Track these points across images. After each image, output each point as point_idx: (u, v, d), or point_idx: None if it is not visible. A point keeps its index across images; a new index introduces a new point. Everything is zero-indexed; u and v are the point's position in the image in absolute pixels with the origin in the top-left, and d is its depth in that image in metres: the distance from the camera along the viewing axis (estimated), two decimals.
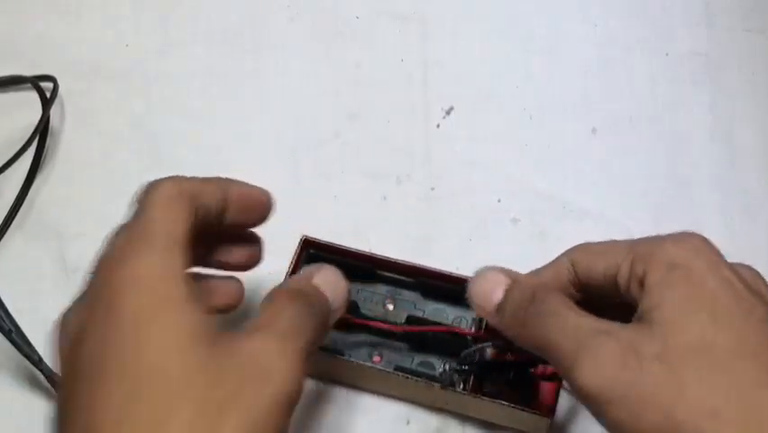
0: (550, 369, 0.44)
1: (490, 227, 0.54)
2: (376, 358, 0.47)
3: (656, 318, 0.35)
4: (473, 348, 0.45)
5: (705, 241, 0.38)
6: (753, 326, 0.35)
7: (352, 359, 0.46)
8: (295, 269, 0.48)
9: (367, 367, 0.46)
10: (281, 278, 0.47)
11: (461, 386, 0.44)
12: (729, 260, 0.51)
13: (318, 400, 0.48)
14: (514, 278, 0.41)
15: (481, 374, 0.45)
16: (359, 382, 0.48)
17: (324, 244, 0.48)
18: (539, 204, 0.54)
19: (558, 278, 0.41)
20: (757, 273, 0.39)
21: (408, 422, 0.48)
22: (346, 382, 0.48)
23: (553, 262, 0.42)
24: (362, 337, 0.48)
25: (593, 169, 0.56)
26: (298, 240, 0.48)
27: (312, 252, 0.49)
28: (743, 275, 0.37)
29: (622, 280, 0.38)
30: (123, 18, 0.62)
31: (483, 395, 0.44)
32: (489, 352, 0.45)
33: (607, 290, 0.39)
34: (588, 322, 0.36)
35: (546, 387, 0.45)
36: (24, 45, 0.60)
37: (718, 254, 0.38)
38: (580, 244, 0.41)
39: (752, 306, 0.35)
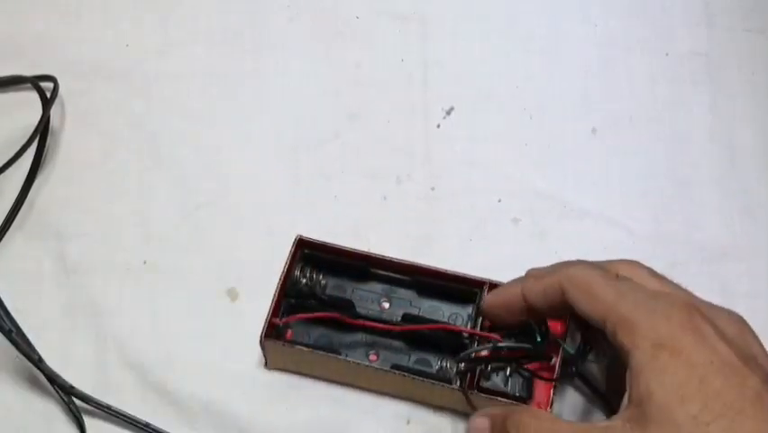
0: (545, 365, 0.44)
1: (490, 227, 0.54)
2: (372, 357, 0.47)
3: (648, 414, 0.36)
4: (471, 351, 0.45)
5: (690, 309, 0.38)
6: (747, 402, 0.35)
7: (348, 358, 0.46)
8: (290, 268, 0.48)
9: (363, 366, 0.46)
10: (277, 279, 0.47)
11: (459, 383, 0.44)
12: (729, 262, 0.52)
13: (318, 400, 0.48)
14: (490, 413, 0.42)
15: (479, 371, 0.45)
16: (357, 382, 0.48)
17: (319, 244, 0.48)
18: (539, 204, 0.54)
19: (549, 296, 0.42)
20: (742, 323, 0.40)
21: (408, 422, 0.48)
22: (344, 382, 0.48)
23: (549, 277, 0.42)
24: (359, 337, 0.48)
25: (593, 169, 0.56)
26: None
27: (307, 251, 0.49)
28: (730, 335, 0.37)
29: (609, 337, 0.39)
30: (123, 18, 0.62)
31: (481, 392, 0.44)
32: (486, 349, 0.45)
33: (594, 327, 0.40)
34: (589, 426, 0.38)
35: (542, 384, 0.45)
36: (24, 45, 0.60)
37: (704, 320, 0.38)
38: (572, 272, 0.41)
39: (744, 377, 0.36)
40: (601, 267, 0.42)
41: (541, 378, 0.45)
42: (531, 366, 0.44)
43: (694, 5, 0.61)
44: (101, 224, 0.54)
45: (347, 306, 0.48)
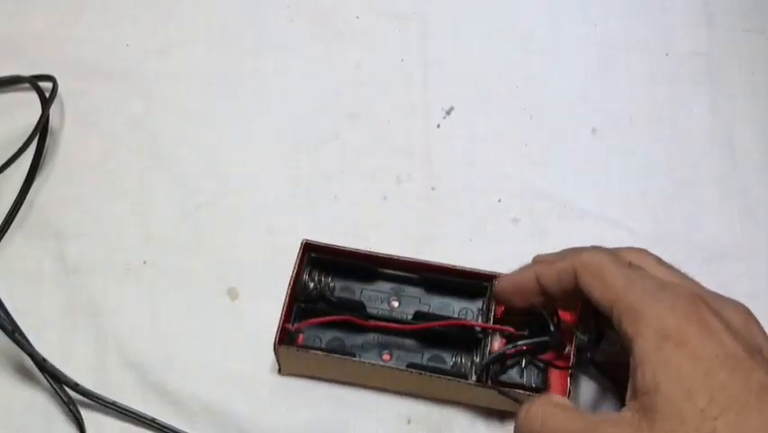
0: (559, 354, 0.45)
1: (490, 227, 0.54)
2: (386, 357, 0.47)
3: (655, 406, 0.36)
4: (498, 353, 0.45)
5: (696, 300, 0.38)
6: (752, 394, 0.35)
7: (364, 360, 0.46)
8: (298, 272, 0.48)
9: (379, 367, 0.46)
10: (282, 280, 0.47)
11: (475, 378, 0.45)
12: (729, 262, 0.52)
13: (318, 400, 0.48)
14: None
15: (495, 365, 0.45)
16: (371, 382, 0.48)
17: (325, 247, 0.48)
18: (539, 204, 0.54)
19: (563, 281, 0.42)
20: (747, 315, 0.40)
21: (409, 421, 0.48)
22: (357, 383, 0.48)
23: (563, 262, 0.42)
24: (370, 337, 0.48)
25: (593, 169, 0.56)
26: (299, 241, 0.48)
27: (313, 255, 0.49)
28: (736, 327, 0.37)
29: (614, 324, 0.39)
30: (123, 18, 0.62)
31: (497, 385, 0.44)
32: (499, 342, 0.46)
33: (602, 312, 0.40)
34: (598, 417, 0.38)
35: (557, 373, 0.45)
36: (24, 45, 0.60)
37: (710, 311, 0.38)
38: (585, 258, 0.41)
39: (749, 370, 0.36)
40: (614, 253, 0.42)
41: (557, 367, 0.45)
42: (545, 357, 0.45)
43: (694, 5, 0.61)
44: (101, 224, 0.54)
45: (357, 307, 0.48)
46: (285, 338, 0.46)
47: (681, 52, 0.60)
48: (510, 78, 0.59)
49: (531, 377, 0.45)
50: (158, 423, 0.47)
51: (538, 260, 0.44)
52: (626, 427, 0.36)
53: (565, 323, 0.45)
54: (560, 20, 0.61)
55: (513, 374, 0.45)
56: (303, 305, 0.48)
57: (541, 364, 0.45)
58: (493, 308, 0.47)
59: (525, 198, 0.55)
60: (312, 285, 0.48)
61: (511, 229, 0.54)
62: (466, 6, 0.62)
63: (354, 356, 0.46)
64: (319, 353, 0.46)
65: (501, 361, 0.45)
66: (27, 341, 0.48)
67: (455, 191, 0.55)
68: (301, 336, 0.48)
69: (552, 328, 0.44)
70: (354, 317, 0.46)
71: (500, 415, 0.47)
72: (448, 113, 0.58)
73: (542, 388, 0.45)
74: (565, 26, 0.61)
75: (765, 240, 0.53)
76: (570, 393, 0.44)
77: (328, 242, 0.49)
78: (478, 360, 0.46)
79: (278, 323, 0.46)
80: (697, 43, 0.60)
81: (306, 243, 0.48)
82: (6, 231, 0.53)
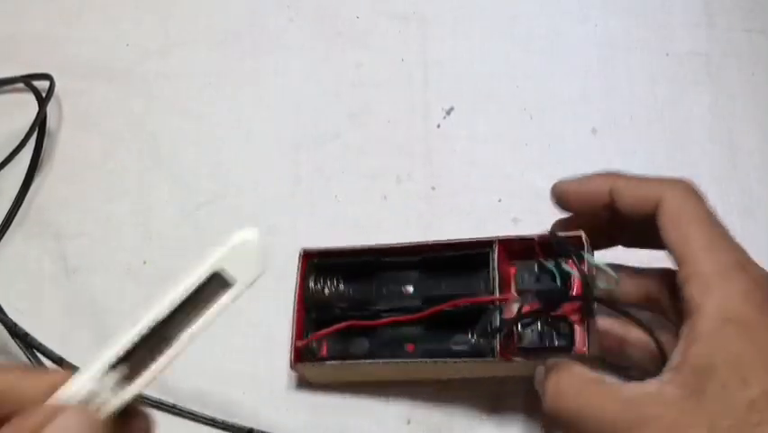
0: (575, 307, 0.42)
1: (490, 227, 0.54)
2: (409, 347, 0.46)
3: (707, 389, 0.34)
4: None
5: (757, 282, 0.36)
6: None
7: (389, 360, 0.45)
8: (302, 284, 0.47)
9: (404, 364, 0.45)
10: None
11: (495, 353, 0.43)
12: None
13: (318, 401, 0.48)
14: (545, 363, 0.40)
15: (508, 333, 0.43)
16: (396, 377, 0.47)
17: (324, 251, 0.48)
18: (539, 204, 0.54)
19: (641, 209, 0.39)
20: None
21: (409, 422, 0.48)
22: (382, 380, 0.48)
23: (648, 188, 0.39)
24: (388, 331, 0.47)
25: (593, 169, 0.55)
26: (299, 241, 0.48)
27: (315, 261, 0.48)
28: None
29: (678, 278, 0.37)
30: (123, 18, 0.62)
31: (520, 352, 0.43)
32: (505, 311, 0.44)
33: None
34: (637, 392, 0.35)
35: (580, 327, 0.42)
36: (24, 45, 0.60)
37: None
38: (677, 201, 0.38)
39: None
40: (703, 203, 0.38)
41: (571, 320, 0.42)
42: (558, 314, 0.42)
43: (694, 5, 0.61)
44: (101, 224, 0.54)
45: (368, 304, 0.47)
46: (300, 355, 0.46)
47: (681, 52, 0.60)
48: (510, 78, 0.59)
49: (553, 337, 0.42)
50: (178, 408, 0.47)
51: (619, 174, 0.40)
52: (671, 407, 0.34)
53: (570, 273, 0.43)
54: (560, 20, 0.61)
55: (533, 338, 0.43)
56: (314, 315, 0.47)
57: (560, 321, 0.42)
58: (496, 275, 0.44)
59: (525, 198, 0.55)
60: (318, 289, 0.48)
61: (511, 229, 0.54)
62: (466, 6, 0.62)
63: (375, 356, 0.46)
64: (336, 363, 0.46)
65: (515, 326, 0.43)
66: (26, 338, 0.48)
67: (455, 191, 0.55)
68: (314, 343, 0.47)
69: (557, 283, 0.42)
70: (362, 321, 0.46)
71: (500, 415, 0.47)
72: (448, 113, 0.58)
73: (567, 345, 0.42)
74: (565, 26, 0.61)
75: (765, 240, 0.53)
76: (588, 347, 0.41)
77: (328, 242, 0.48)
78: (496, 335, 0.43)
79: (290, 339, 0.46)
80: (697, 43, 0.60)
81: (304, 252, 0.48)
82: (6, 231, 0.53)
